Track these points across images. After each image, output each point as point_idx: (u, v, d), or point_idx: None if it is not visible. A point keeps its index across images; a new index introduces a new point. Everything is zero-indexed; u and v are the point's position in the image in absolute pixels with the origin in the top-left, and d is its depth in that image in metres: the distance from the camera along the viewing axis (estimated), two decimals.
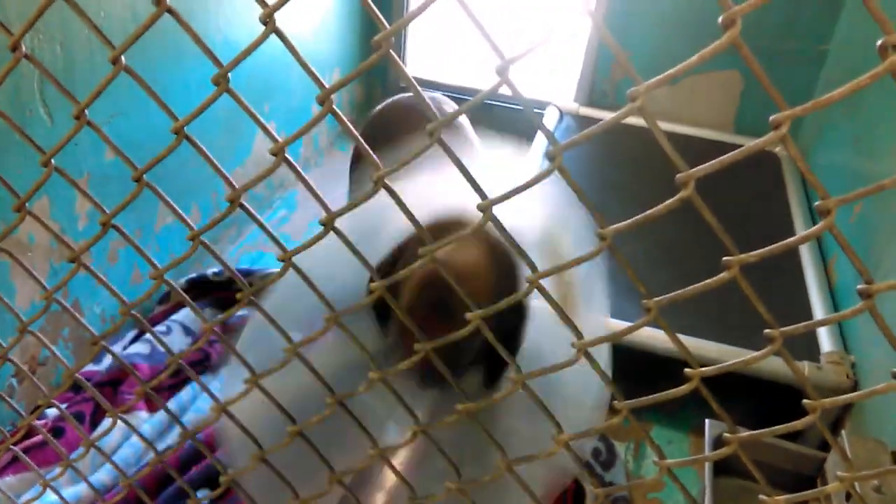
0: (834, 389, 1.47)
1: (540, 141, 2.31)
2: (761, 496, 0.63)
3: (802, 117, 2.49)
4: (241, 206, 0.64)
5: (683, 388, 0.58)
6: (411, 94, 1.60)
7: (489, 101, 2.66)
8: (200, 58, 0.57)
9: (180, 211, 0.68)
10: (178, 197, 1.69)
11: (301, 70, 0.54)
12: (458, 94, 2.69)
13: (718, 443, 1.38)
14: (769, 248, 0.51)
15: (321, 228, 0.61)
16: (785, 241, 0.48)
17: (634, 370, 1.84)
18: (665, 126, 2.45)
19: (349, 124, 0.58)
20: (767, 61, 2.29)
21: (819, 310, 1.69)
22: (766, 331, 0.54)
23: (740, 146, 1.48)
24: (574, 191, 0.51)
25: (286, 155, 0.60)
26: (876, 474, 0.59)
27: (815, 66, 2.35)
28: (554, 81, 2.84)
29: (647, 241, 1.83)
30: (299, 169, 0.60)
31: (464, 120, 1.36)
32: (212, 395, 0.81)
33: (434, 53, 3.00)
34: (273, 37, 0.54)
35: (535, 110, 0.54)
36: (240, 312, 1.76)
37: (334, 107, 0.57)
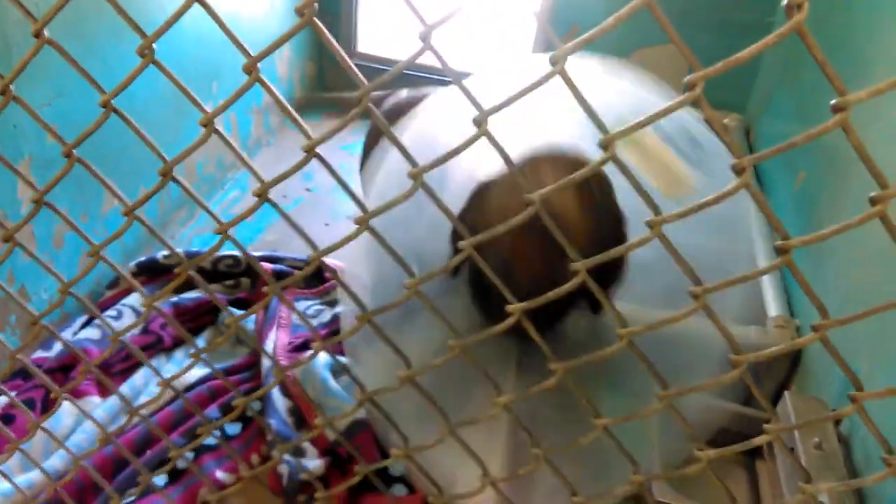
0: (781, 355, 1.51)
1: None
2: (695, 451, 0.66)
3: (749, 92, 2.52)
4: (174, 179, 0.63)
5: (613, 348, 0.60)
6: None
7: (439, 77, 2.66)
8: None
9: (112, 185, 0.67)
10: (125, 177, 1.68)
11: (251, 50, 0.54)
12: (414, 71, 2.67)
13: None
14: (694, 205, 0.52)
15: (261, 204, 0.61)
16: None
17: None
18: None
19: (278, 94, 0.58)
20: (718, 32, 2.31)
21: (769, 282, 1.73)
22: (690, 289, 0.56)
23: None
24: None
25: (216, 126, 0.59)
26: (797, 427, 0.61)
27: (763, 37, 2.38)
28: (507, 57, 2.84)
29: None
30: (229, 139, 0.60)
31: None
32: (160, 376, 0.81)
33: (391, 31, 2.98)
34: (222, 16, 0.54)
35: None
36: (192, 295, 1.74)
37: (261, 76, 0.56)
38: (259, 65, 0.56)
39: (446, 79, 0.52)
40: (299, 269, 1.88)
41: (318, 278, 1.93)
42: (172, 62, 1.87)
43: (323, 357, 1.54)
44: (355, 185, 1.99)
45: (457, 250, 0.58)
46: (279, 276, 1.85)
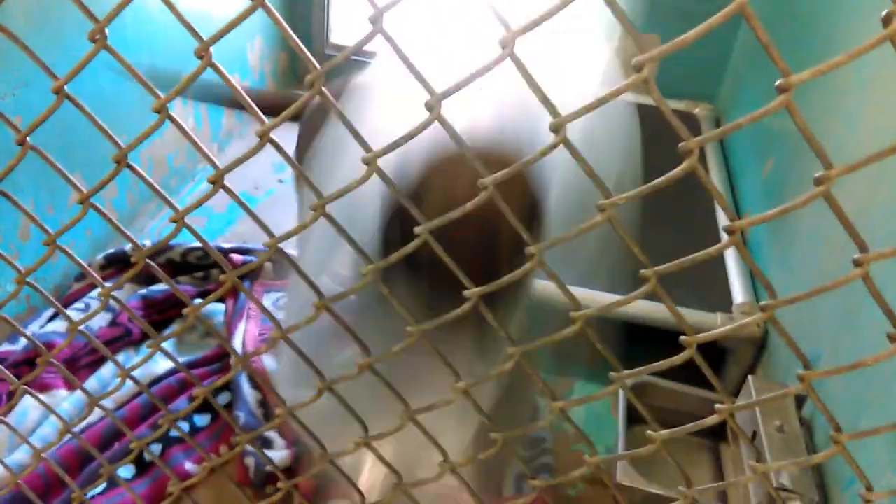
0: (745, 339, 1.53)
1: None
2: (648, 432, 0.66)
3: (719, 81, 2.54)
4: (129, 166, 0.63)
5: (568, 331, 0.60)
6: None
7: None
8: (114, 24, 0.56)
9: (67, 173, 0.67)
10: (94, 168, 1.65)
11: (222, 41, 0.53)
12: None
13: (635, 392, 1.43)
14: (642, 188, 0.53)
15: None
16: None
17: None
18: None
19: (230, 79, 0.57)
20: (686, 21, 2.33)
21: (733, 264, 1.75)
22: (642, 271, 0.56)
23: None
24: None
25: (169, 112, 0.59)
26: (746, 406, 0.62)
27: (732, 27, 2.41)
28: None
29: None
30: (185, 126, 0.60)
31: None
32: (119, 366, 0.80)
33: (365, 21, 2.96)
34: (191, 6, 0.53)
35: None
36: (161, 287, 1.72)
37: (215, 62, 0.56)
38: (212, 50, 0.55)
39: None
40: (270, 260, 1.87)
41: None
42: (142, 48, 1.87)
43: None
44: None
45: (387, 240, 0.58)
46: None
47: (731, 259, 1.78)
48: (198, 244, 1.86)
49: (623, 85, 0.49)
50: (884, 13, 0.46)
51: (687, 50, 0.50)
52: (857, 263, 0.54)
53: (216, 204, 2.12)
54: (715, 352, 1.58)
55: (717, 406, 0.62)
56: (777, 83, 0.48)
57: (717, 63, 2.45)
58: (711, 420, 0.62)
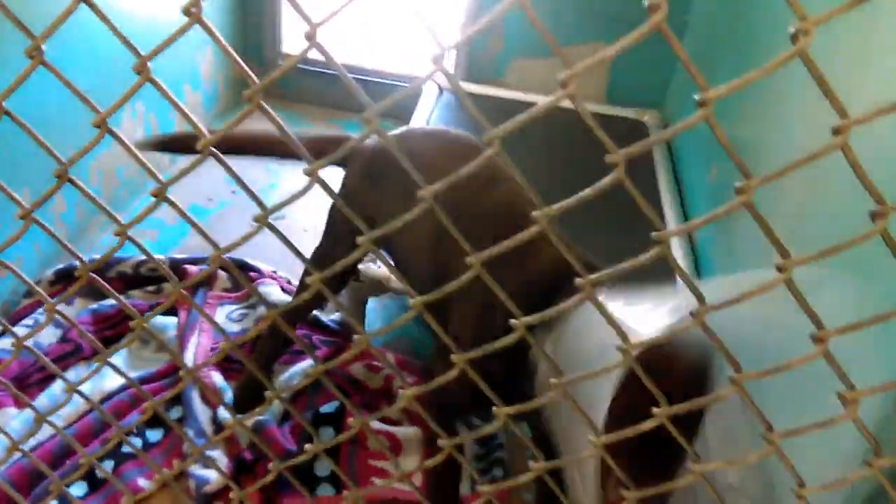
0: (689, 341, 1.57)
1: (420, 113, 2.35)
2: (590, 437, 0.68)
3: (666, 89, 2.59)
4: (70, 180, 0.63)
5: (509, 338, 0.62)
6: (411, 128, 1.56)
7: (359, 77, 2.66)
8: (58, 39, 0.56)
9: (8, 189, 0.67)
10: (41, 183, 1.63)
11: (171, 51, 0.54)
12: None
13: None
14: (572, 199, 0.55)
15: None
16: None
17: None
18: (541, 99, 2.50)
19: (170, 94, 0.58)
20: (632, 30, 2.38)
21: (679, 255, 1.80)
22: (577, 280, 0.58)
23: (612, 116, 1.58)
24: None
25: (109, 127, 0.59)
26: (684, 407, 0.65)
27: (677, 35, 2.46)
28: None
29: None
30: (123, 138, 0.60)
31: None
32: (66, 381, 0.80)
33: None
34: (141, 19, 0.54)
35: (413, 85, 0.55)
36: (113, 301, 1.70)
37: (153, 76, 0.57)
38: (150, 65, 0.56)
39: (385, 81, 0.53)
40: (225, 271, 1.87)
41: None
42: (90, 62, 1.84)
43: None
44: (256, 183, 1.94)
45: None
46: (202, 279, 1.83)
47: (678, 261, 1.82)
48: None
49: (548, 101, 0.51)
50: (791, 30, 0.48)
51: (635, 58, 0.52)
52: (779, 269, 0.57)
53: (168, 216, 2.10)
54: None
55: (655, 410, 0.65)
56: (696, 97, 0.51)
57: (664, 71, 2.50)
58: (648, 424, 0.64)
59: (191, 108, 2.46)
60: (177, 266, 1.85)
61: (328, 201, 0.65)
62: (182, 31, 0.51)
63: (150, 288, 1.82)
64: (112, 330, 1.69)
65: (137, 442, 1.45)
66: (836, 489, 0.73)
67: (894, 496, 0.70)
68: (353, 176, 1.45)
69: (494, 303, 0.63)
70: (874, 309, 0.61)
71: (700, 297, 0.60)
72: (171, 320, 1.72)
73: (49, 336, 1.62)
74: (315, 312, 1.79)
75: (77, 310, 1.73)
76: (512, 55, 2.67)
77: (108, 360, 0.75)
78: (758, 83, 0.49)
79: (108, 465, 1.40)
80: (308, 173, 0.57)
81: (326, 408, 1.58)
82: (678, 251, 1.84)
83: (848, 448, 0.84)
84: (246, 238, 0.62)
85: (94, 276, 0.70)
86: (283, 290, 1.86)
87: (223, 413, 1.49)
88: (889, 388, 0.63)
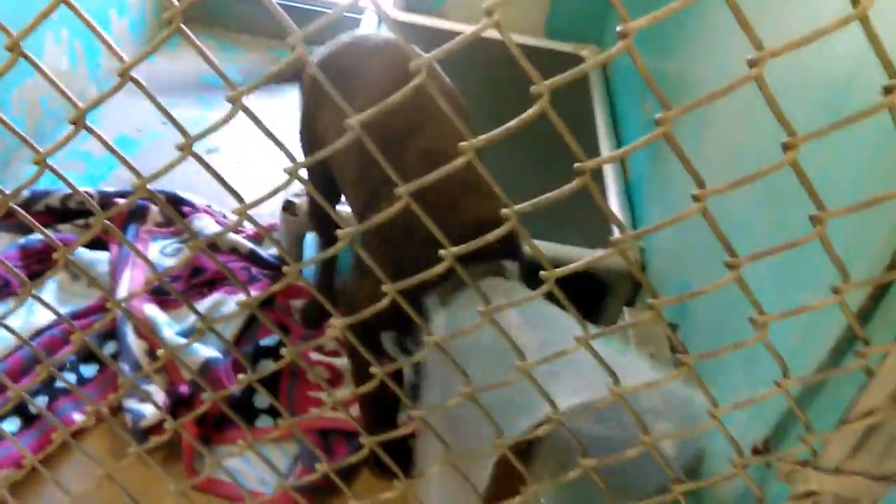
0: (624, 272, 1.62)
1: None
2: (517, 363, 0.70)
3: (606, 23, 2.59)
4: None
5: (437, 269, 0.63)
6: (364, 35, 1.52)
7: (292, 4, 2.58)
8: None
9: None
10: None
11: None
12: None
13: None
14: (498, 130, 0.55)
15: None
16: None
17: None
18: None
19: (92, 20, 0.56)
20: None
21: (614, 198, 1.83)
22: (502, 210, 0.59)
23: (551, 50, 1.59)
24: None
25: (22, 50, 0.57)
26: (600, 333, 0.67)
27: None
28: None
29: None
30: (40, 64, 0.58)
31: None
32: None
33: None
34: None
35: (353, 15, 0.54)
36: (39, 236, 1.66)
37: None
38: None
39: (317, 7, 0.52)
40: (154, 204, 1.83)
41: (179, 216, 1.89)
42: None
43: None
44: (187, 115, 1.88)
45: None
46: (134, 212, 1.79)
47: (612, 192, 1.86)
48: (81, 189, 1.79)
49: (475, 28, 0.51)
50: (748, 58, 0.49)
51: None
52: (695, 198, 0.59)
53: (95, 148, 2.04)
54: (596, 285, 1.66)
55: (575, 336, 0.67)
56: (617, 29, 0.52)
57: (604, 5, 2.49)
58: (570, 350, 0.67)
59: (117, 35, 2.36)
60: (107, 199, 1.80)
61: (260, 134, 0.64)
62: None
63: (80, 221, 1.77)
64: (40, 265, 1.65)
65: (72, 377, 1.44)
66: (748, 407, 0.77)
67: (800, 414, 0.75)
68: (305, 97, 1.47)
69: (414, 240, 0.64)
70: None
71: (620, 226, 0.62)
72: (103, 255, 1.69)
73: None
74: (252, 246, 1.78)
75: (4, 244, 1.68)
76: None
77: (36, 293, 0.73)
78: (691, 16, 0.50)
79: (42, 400, 1.39)
80: (230, 100, 0.56)
81: (267, 341, 1.59)
82: (612, 186, 1.87)
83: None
84: (169, 167, 0.61)
85: (16, 207, 0.68)
86: (218, 223, 1.83)
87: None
88: (795, 313, 0.67)
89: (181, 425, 0.83)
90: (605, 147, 2.03)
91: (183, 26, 0.53)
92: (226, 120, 0.56)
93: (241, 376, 0.77)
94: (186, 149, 0.60)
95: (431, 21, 2.55)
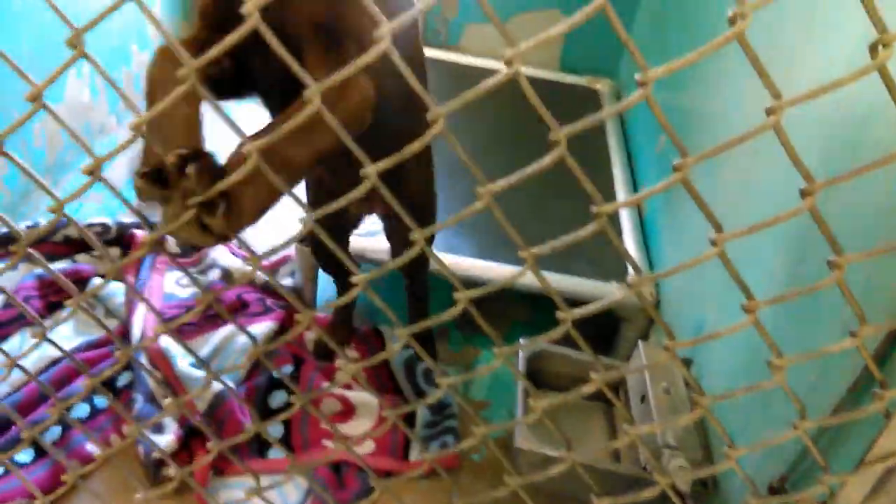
0: (639, 306, 1.61)
1: None
2: (530, 401, 0.70)
3: (620, 57, 2.60)
4: (4, 153, 0.62)
5: (451, 312, 0.63)
6: None
7: None
8: None
9: None
10: None
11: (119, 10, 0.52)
12: None
13: (532, 359, 1.49)
14: (515, 175, 0.55)
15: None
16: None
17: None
18: (495, 64, 2.50)
19: (107, 73, 0.57)
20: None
21: (629, 235, 1.83)
22: (519, 252, 0.59)
23: (566, 84, 1.60)
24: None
25: (44, 102, 0.58)
26: (618, 373, 0.67)
27: (631, 4, 2.47)
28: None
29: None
30: (60, 117, 0.59)
31: None
32: (6, 355, 0.79)
33: None
34: None
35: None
36: (58, 266, 1.67)
37: (85, 50, 0.55)
38: (86, 37, 0.54)
39: None
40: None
41: (195, 247, 1.90)
42: (32, 28, 1.78)
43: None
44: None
45: None
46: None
47: (627, 228, 1.85)
48: (97, 220, 1.81)
49: (496, 79, 0.51)
50: (729, 13, 0.49)
51: (589, 27, 0.52)
52: (713, 242, 0.59)
53: (114, 177, 2.06)
54: (610, 319, 1.65)
55: (592, 374, 0.67)
56: (636, 77, 0.52)
57: (617, 39, 2.50)
58: (587, 389, 0.67)
59: (137, 67, 2.39)
60: (124, 230, 1.82)
61: None
62: (115, 7, 0.50)
63: (97, 252, 1.79)
64: (57, 295, 1.66)
65: (85, 408, 1.44)
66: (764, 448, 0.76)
67: (817, 456, 0.74)
68: None
69: None
70: None
71: (636, 268, 0.62)
72: (119, 285, 1.70)
73: None
74: (267, 277, 1.78)
75: (21, 275, 1.69)
76: (466, 19, 2.65)
77: (48, 335, 0.74)
78: (687, 65, 0.50)
79: (56, 430, 1.39)
80: (248, 153, 0.57)
81: (282, 370, 1.58)
82: (627, 227, 1.87)
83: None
84: (187, 216, 0.62)
85: (33, 251, 0.69)
86: (233, 254, 1.84)
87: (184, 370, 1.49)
88: (814, 356, 0.66)
89: (190, 473, 0.82)
90: (620, 180, 2.03)
91: (199, 86, 0.54)
92: (243, 172, 0.56)
93: (248, 426, 0.77)
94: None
95: (448, 55, 2.57)
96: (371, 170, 0.56)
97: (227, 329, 1.65)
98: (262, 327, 1.63)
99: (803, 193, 0.56)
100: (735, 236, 0.58)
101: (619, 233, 1.85)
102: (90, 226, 1.81)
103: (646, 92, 0.52)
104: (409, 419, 1.53)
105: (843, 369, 0.98)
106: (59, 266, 1.71)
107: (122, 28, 2.25)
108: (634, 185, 2.05)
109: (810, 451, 0.74)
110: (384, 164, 0.55)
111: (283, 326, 1.67)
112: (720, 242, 0.59)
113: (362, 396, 1.54)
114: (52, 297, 1.65)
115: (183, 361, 1.52)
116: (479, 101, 0.53)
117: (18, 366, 0.74)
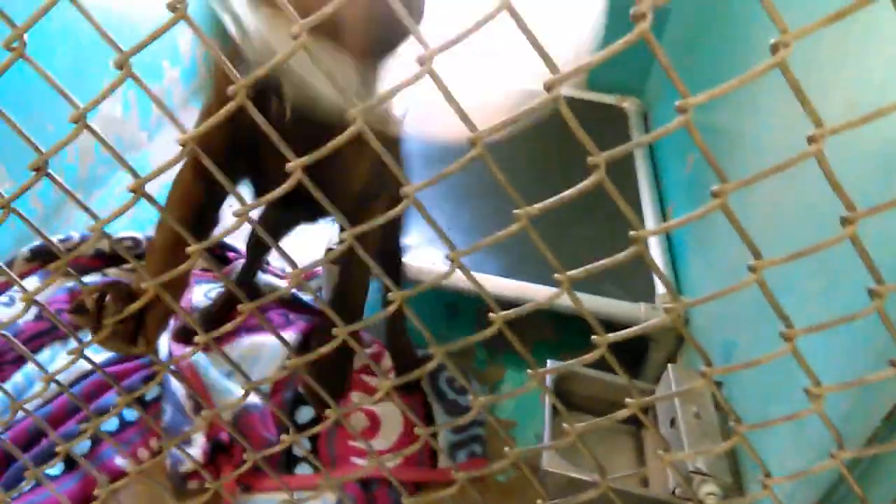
0: (669, 328, 1.60)
1: None
2: (564, 425, 0.70)
3: (647, 76, 2.60)
4: (48, 174, 0.63)
5: (486, 333, 0.63)
6: None
7: None
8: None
9: None
10: (18, 163, 1.62)
11: (151, 28, 0.53)
12: None
13: (560, 382, 1.48)
14: (553, 199, 0.56)
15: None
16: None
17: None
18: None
19: (154, 93, 0.58)
20: (616, 17, 2.39)
21: (657, 254, 1.82)
22: (555, 276, 0.59)
23: (592, 102, 1.59)
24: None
25: (87, 123, 0.59)
26: (655, 399, 0.66)
27: (659, 24, 2.47)
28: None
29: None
30: (101, 135, 0.60)
31: None
32: (42, 369, 0.80)
33: None
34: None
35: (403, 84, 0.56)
36: (90, 279, 1.70)
37: (134, 71, 0.56)
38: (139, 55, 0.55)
39: None
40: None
41: (222, 260, 1.92)
42: (69, 51, 1.81)
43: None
44: None
45: None
46: None
47: (655, 251, 1.84)
48: (127, 234, 1.84)
49: (536, 103, 0.52)
50: (771, 42, 0.49)
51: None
52: (751, 269, 0.58)
53: (151, 188, 2.08)
54: (639, 340, 1.64)
55: (627, 401, 0.66)
56: (676, 104, 0.52)
57: (645, 58, 2.51)
58: (621, 414, 0.66)
59: (169, 82, 2.43)
60: None
61: None
62: (168, 27, 0.51)
63: (128, 266, 1.81)
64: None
65: (114, 421, 1.45)
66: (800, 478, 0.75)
67: (856, 487, 0.73)
68: None
69: None
70: None
71: (673, 294, 0.62)
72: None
73: (25, 315, 1.61)
74: (294, 291, 1.80)
75: (55, 289, 1.72)
76: None
77: (87, 352, 0.75)
78: (736, 70, 0.50)
79: (86, 444, 1.40)
80: (290, 170, 0.57)
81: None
82: (655, 245, 1.86)
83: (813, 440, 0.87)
84: (226, 233, 0.62)
85: (71, 271, 0.70)
86: (263, 270, 1.86)
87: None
88: (853, 386, 0.65)
89: (221, 486, 0.82)
90: (647, 200, 2.02)
91: (249, 102, 0.54)
92: (288, 186, 0.57)
93: (283, 437, 0.77)
94: (243, 216, 0.61)
95: None
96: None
97: (251, 340, 1.66)
98: (287, 338, 1.64)
99: (844, 222, 0.56)
100: (774, 263, 0.57)
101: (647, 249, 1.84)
102: (121, 240, 1.83)
103: (686, 118, 0.52)
104: (432, 421, 1.54)
105: (877, 399, 0.96)
106: (91, 279, 1.73)
107: (154, 44, 2.30)
108: (661, 206, 2.04)
109: (846, 480, 0.73)
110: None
111: (306, 339, 1.68)
112: (759, 269, 0.58)
113: (387, 407, 1.54)
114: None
115: (214, 372, 1.53)
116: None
117: (55, 381, 0.75)
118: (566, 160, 1.50)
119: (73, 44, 1.81)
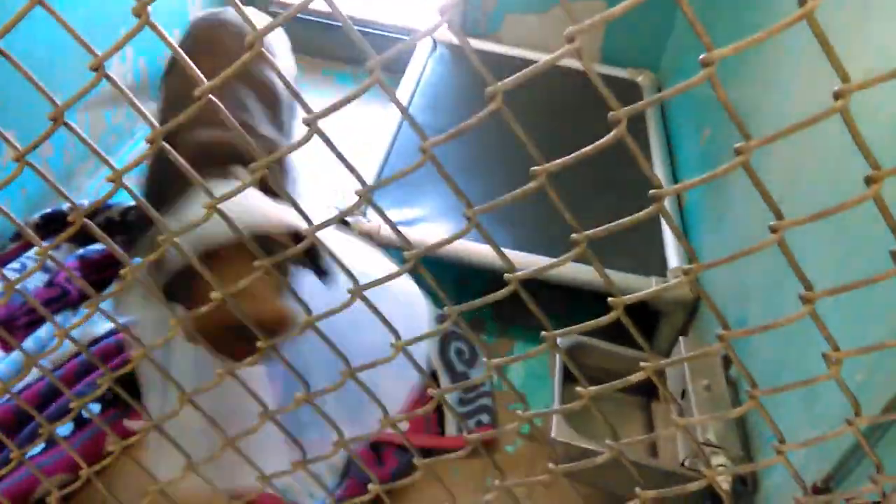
0: (677, 301, 1.59)
1: (414, 67, 2.33)
2: (578, 388, 0.70)
3: (661, 50, 2.57)
4: (65, 124, 0.62)
5: (503, 292, 0.63)
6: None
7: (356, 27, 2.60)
8: None
9: (1, 131, 0.66)
10: (29, 126, 1.62)
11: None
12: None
13: (571, 352, 1.47)
14: (572, 156, 0.55)
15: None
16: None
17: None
18: (535, 55, 2.49)
19: (172, 40, 0.57)
20: None
21: (668, 228, 1.81)
22: (573, 235, 0.59)
23: (606, 76, 1.59)
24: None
25: (106, 71, 0.59)
26: (671, 362, 0.66)
27: None
28: (426, 10, 2.82)
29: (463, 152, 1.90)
30: (121, 86, 0.60)
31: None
32: (57, 326, 0.80)
33: None
34: None
35: (406, 37, 0.55)
36: (98, 247, 1.70)
37: (153, 20, 0.56)
38: (150, 8, 0.55)
39: (377, 31, 0.53)
40: None
41: None
42: (77, 5, 1.80)
43: None
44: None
45: None
46: None
47: (667, 224, 1.83)
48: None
49: (557, 54, 0.51)
50: (835, 89, 0.48)
51: (631, 18, 0.52)
52: (772, 230, 0.58)
53: None
54: (649, 314, 1.63)
55: (642, 364, 0.66)
56: (700, 57, 0.51)
57: (660, 32, 2.48)
58: (636, 377, 0.66)
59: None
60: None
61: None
62: (134, 33, 0.51)
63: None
64: (98, 275, 1.69)
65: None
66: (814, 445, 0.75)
67: (871, 454, 0.72)
68: None
69: None
70: None
71: (692, 255, 0.61)
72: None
73: (35, 280, 1.62)
74: None
75: (64, 255, 1.72)
76: (506, 9, 2.64)
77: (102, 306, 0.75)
78: (753, 45, 0.49)
79: (95, 407, 1.41)
80: (307, 122, 0.56)
81: None
82: (668, 211, 1.85)
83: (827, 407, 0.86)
84: (236, 190, 0.62)
85: (88, 221, 0.69)
86: None
87: None
88: (871, 350, 0.65)
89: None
90: (660, 174, 2.00)
91: (266, 52, 0.54)
92: (303, 142, 0.56)
93: (297, 394, 0.77)
94: (259, 170, 0.60)
95: (486, 45, 2.57)
96: None
97: None
98: None
99: (869, 181, 0.55)
100: (796, 223, 0.56)
101: (660, 228, 1.83)
102: (130, 209, 1.83)
103: (710, 71, 0.51)
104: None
105: (891, 369, 0.95)
106: (99, 247, 1.74)
107: (164, 11, 2.28)
108: (675, 180, 2.02)
109: (863, 449, 0.73)
110: None
111: None
112: (781, 229, 0.57)
113: None
114: (93, 277, 1.68)
115: None
116: (512, 93, 0.52)
117: (70, 338, 0.75)
118: (578, 136, 1.49)
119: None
